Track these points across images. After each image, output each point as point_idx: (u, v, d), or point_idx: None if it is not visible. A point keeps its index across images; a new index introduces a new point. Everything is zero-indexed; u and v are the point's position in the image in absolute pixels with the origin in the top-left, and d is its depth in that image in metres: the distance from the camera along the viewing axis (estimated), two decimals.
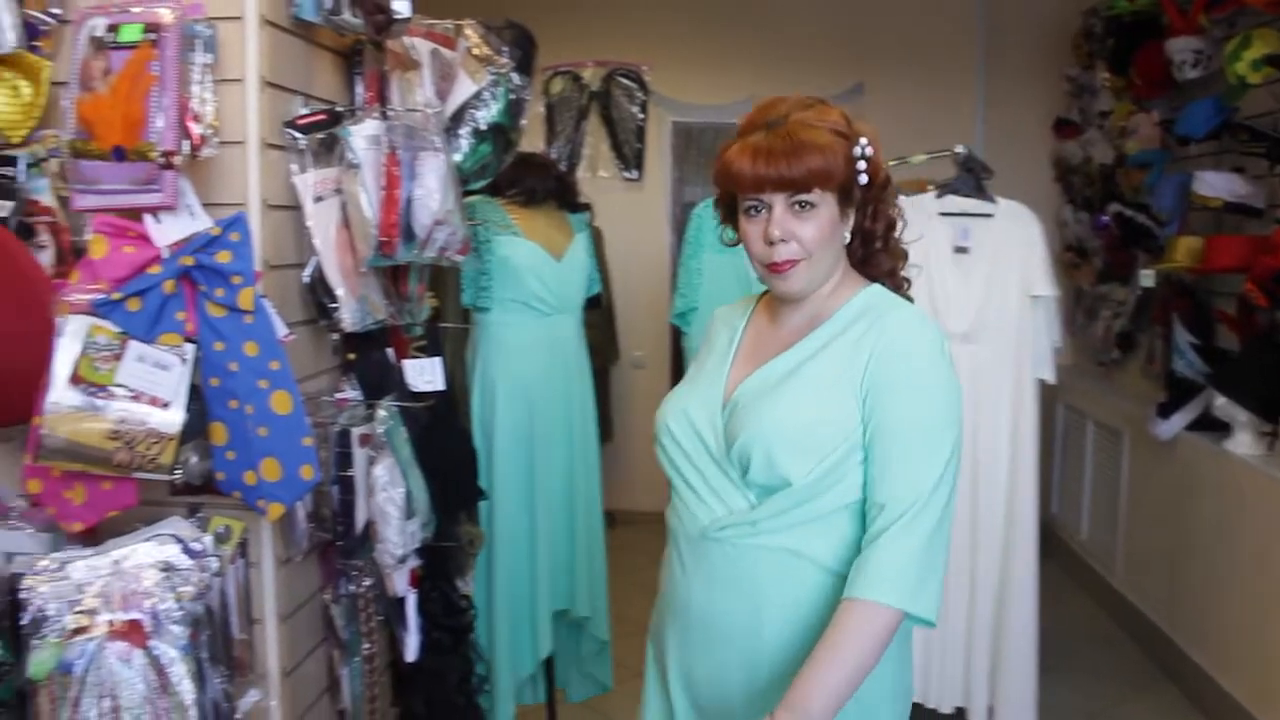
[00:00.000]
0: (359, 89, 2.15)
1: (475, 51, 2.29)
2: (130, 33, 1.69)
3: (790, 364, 1.62)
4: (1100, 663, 4.07)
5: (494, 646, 3.15)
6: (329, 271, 1.92)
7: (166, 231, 1.71)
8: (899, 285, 1.70)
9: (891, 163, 3.16)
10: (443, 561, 2.39)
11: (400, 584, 2.16)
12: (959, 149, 3.14)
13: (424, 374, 2.21)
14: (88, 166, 1.69)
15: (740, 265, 3.22)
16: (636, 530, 5.83)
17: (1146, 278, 4.09)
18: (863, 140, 1.58)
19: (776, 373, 1.62)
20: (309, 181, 1.90)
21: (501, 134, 2.29)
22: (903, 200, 3.11)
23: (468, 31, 2.30)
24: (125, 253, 1.69)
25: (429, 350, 2.31)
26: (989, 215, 3.11)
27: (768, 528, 1.56)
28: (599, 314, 4.99)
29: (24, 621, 1.65)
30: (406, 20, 2.02)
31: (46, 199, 1.82)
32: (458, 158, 2.14)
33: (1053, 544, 4.81)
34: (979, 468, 3.08)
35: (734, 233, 1.67)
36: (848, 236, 1.63)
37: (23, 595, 1.65)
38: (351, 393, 2.09)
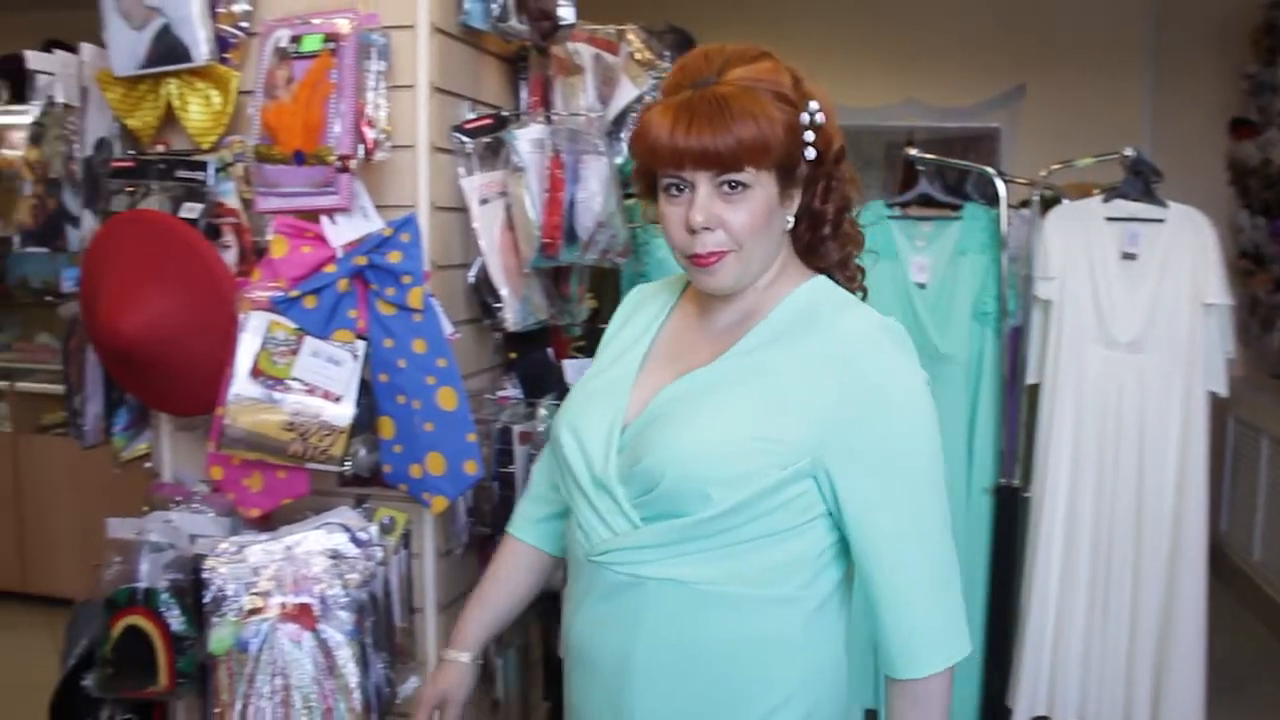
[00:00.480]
0: (524, 94, 2.20)
1: (637, 56, 2.32)
2: (311, 43, 1.77)
3: (718, 373, 1.37)
4: (1273, 693, 3.88)
5: None
6: (494, 272, 1.97)
7: (341, 232, 1.78)
8: (851, 277, 1.45)
9: (1055, 166, 3.12)
10: None
11: (556, 579, 2.19)
12: (1127, 151, 3.03)
13: (582, 374, 2.25)
14: (270, 170, 1.78)
15: (900, 272, 3.17)
16: None
17: None
18: (813, 105, 1.32)
19: (701, 383, 1.37)
20: (475, 184, 1.96)
21: None
22: (1068, 206, 3.10)
23: (630, 36, 2.33)
24: (303, 252, 1.77)
25: (588, 350, 2.35)
26: (1159, 220, 2.99)
27: (655, 556, 1.33)
28: None
29: (206, 600, 1.74)
30: (571, 26, 2.06)
31: (232, 201, 1.91)
32: (619, 161, 2.17)
33: (1222, 565, 4.59)
34: (1145, 482, 2.96)
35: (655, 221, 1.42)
36: (791, 221, 1.38)
37: (205, 575, 1.74)
38: (512, 391, 2.14)
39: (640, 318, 1.53)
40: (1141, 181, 3.02)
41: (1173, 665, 2.95)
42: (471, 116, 1.99)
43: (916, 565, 1.34)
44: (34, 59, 2.01)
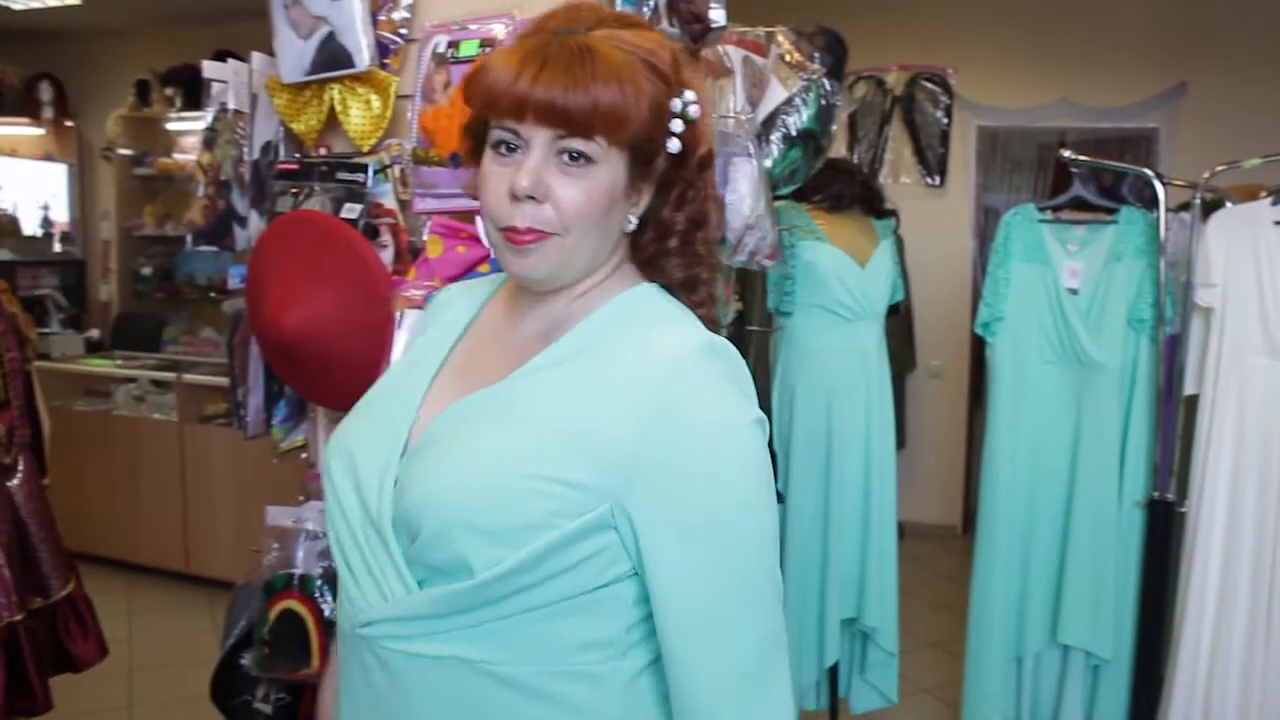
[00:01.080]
0: None
1: (786, 58, 2.31)
2: (468, 48, 1.81)
3: (505, 393, 1.12)
4: None
5: None
6: None
7: None
8: (698, 303, 1.19)
9: (1220, 168, 2.99)
10: None
11: None
12: None
13: None
14: (427, 172, 1.82)
15: (1051, 277, 3.09)
16: (925, 543, 5.71)
17: None
18: (688, 95, 1.11)
19: (483, 404, 1.13)
20: None
21: (812, 140, 2.30)
22: (1232, 209, 2.97)
23: (779, 38, 2.32)
24: (458, 252, 1.81)
25: None
26: None
27: (430, 629, 1.07)
28: (897, 321, 4.93)
29: None
30: (722, 29, 2.06)
31: (389, 202, 1.97)
32: (768, 163, 2.16)
33: None
34: None
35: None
36: (633, 222, 1.15)
37: None
38: None
39: (443, 320, 1.29)
40: None
41: None
42: None
43: (717, 657, 1.06)
44: (209, 68, 2.11)
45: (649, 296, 1.18)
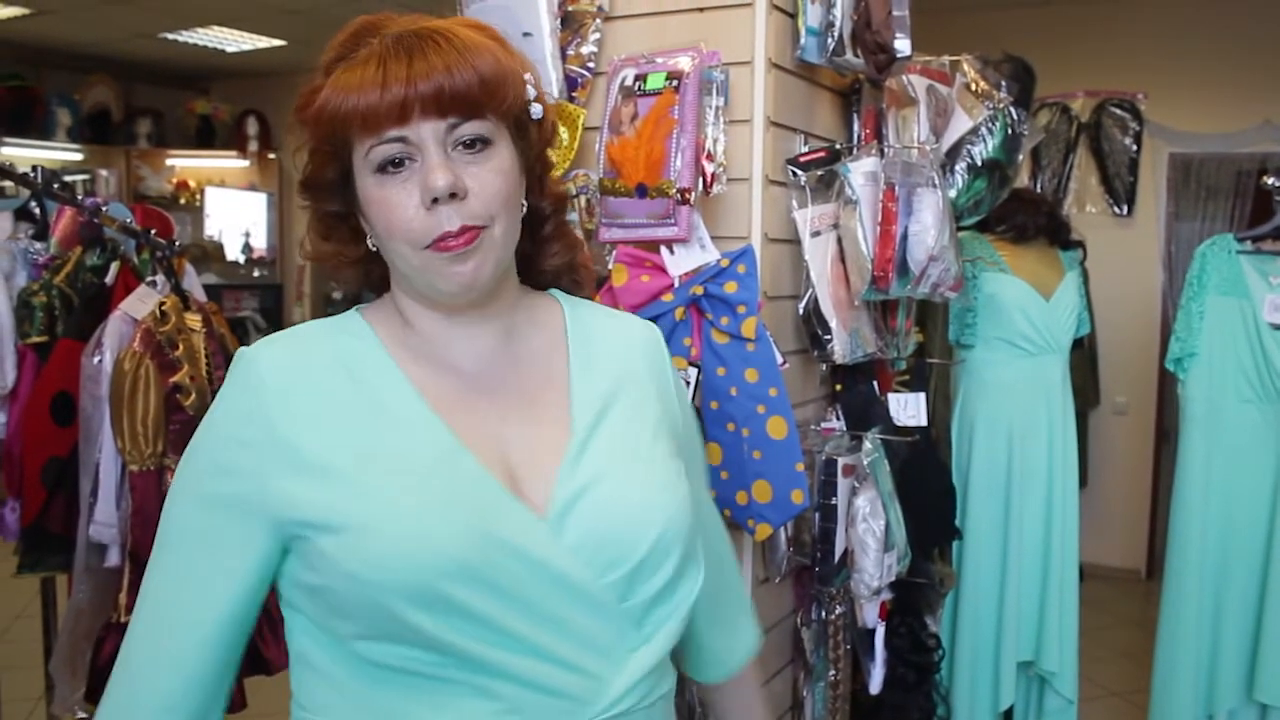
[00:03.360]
0: (856, 126, 2.20)
1: (973, 86, 2.27)
2: (655, 81, 1.85)
3: (598, 418, 1.07)
4: None
5: (953, 689, 3.09)
6: (824, 303, 1.98)
7: (679, 262, 1.84)
8: (579, 281, 1.20)
9: None
10: (913, 598, 2.37)
11: (870, 615, 2.17)
12: None
13: (907, 408, 2.22)
14: (614, 202, 1.86)
15: (1251, 311, 2.95)
16: (1106, 587, 5.48)
17: None
18: (526, 75, 1.05)
19: (596, 440, 1.05)
20: (808, 216, 1.98)
21: (997, 169, 2.26)
22: None
23: (965, 66, 2.29)
24: (642, 281, 1.84)
25: (912, 385, 2.32)
26: None
27: (658, 676, 1.03)
28: (1080, 355, 4.76)
29: None
30: (906, 58, 2.05)
31: (575, 231, 2.02)
32: (952, 193, 2.13)
33: None
34: None
35: (324, 238, 1.10)
36: (525, 205, 1.07)
37: None
38: (836, 423, 2.14)
39: (351, 391, 1.01)
40: None
41: None
42: (805, 150, 2.02)
43: (727, 542, 1.33)
44: None
45: (570, 300, 1.19)
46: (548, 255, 1.15)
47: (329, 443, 0.97)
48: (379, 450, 0.98)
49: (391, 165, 0.98)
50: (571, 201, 2.02)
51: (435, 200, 0.96)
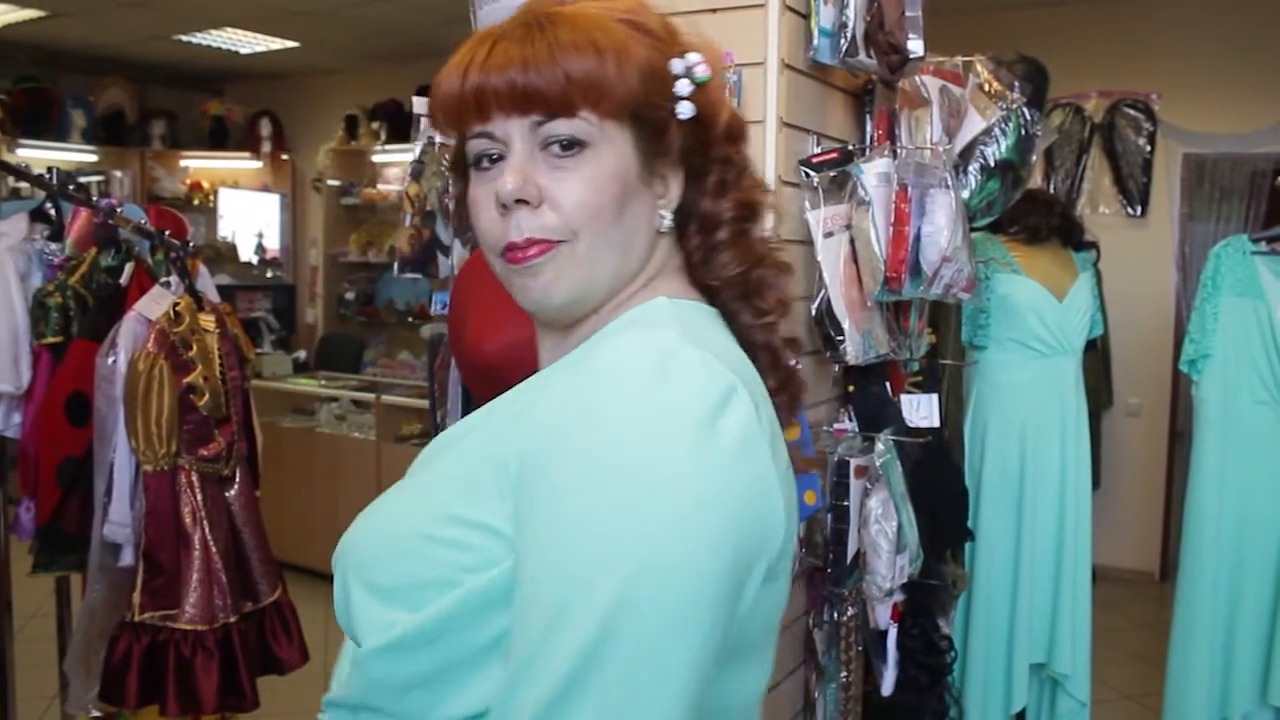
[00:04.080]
0: (869, 127, 2.20)
1: (986, 87, 2.27)
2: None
3: (456, 430, 0.96)
4: None
5: (966, 692, 3.09)
6: (836, 305, 1.97)
7: None
8: (763, 310, 0.99)
9: None
10: (925, 599, 2.37)
11: (883, 617, 2.17)
12: None
13: (919, 409, 2.21)
14: None
15: (1266, 312, 2.94)
16: (1119, 589, 5.47)
17: None
18: (692, 56, 0.93)
19: (435, 444, 0.97)
20: (820, 217, 1.97)
21: (1010, 170, 2.25)
22: None
23: (978, 67, 2.28)
24: None
25: (925, 386, 2.31)
26: None
27: (373, 704, 0.85)
28: (1093, 356, 4.75)
29: None
30: (920, 59, 2.05)
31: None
32: (965, 194, 2.13)
33: None
34: None
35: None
36: (666, 218, 0.94)
37: None
38: (849, 424, 2.13)
39: None
40: None
41: None
42: (818, 150, 2.01)
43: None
44: (419, 104, 2.21)
45: (660, 309, 0.93)
46: (719, 263, 0.97)
47: None
48: None
49: (486, 160, 0.91)
50: None
51: (505, 206, 0.88)
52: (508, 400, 0.93)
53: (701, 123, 0.94)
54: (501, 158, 0.90)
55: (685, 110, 0.92)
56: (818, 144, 2.04)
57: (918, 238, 1.97)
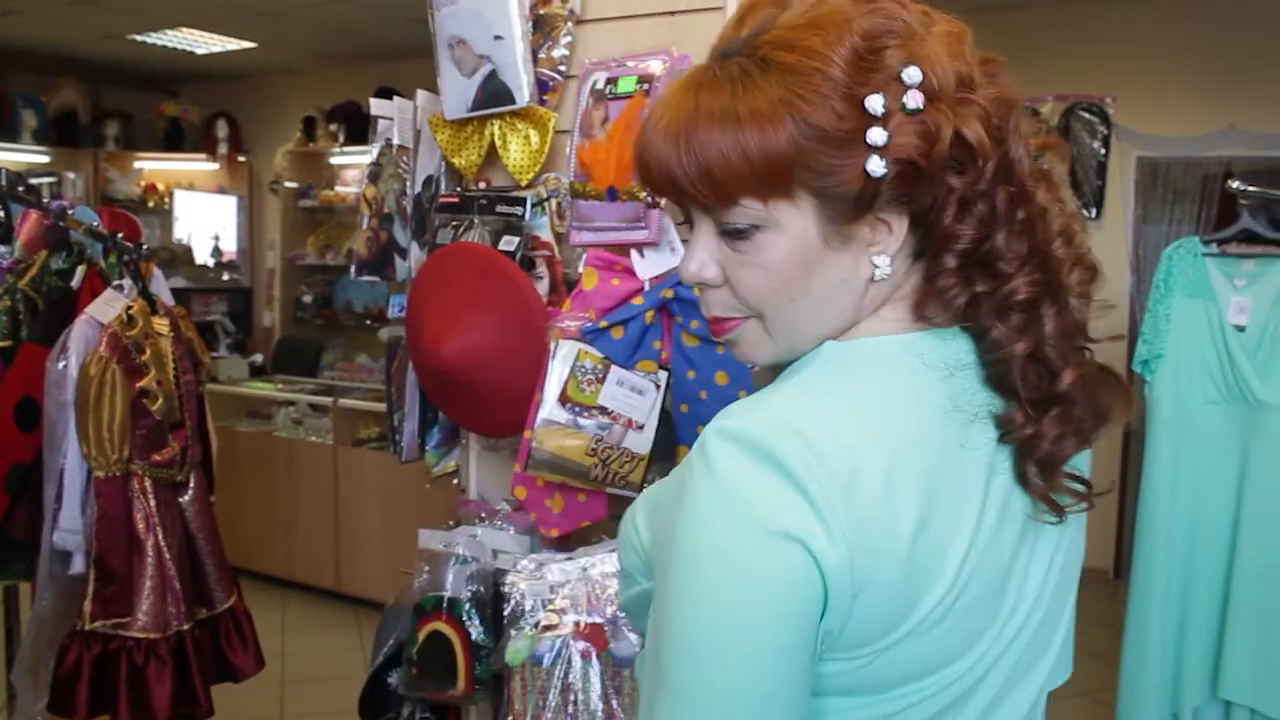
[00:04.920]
0: None
1: None
2: (626, 84, 1.84)
3: None
4: None
5: None
6: None
7: (650, 266, 1.83)
8: (999, 343, 0.89)
9: None
10: None
11: None
12: None
13: None
14: (584, 206, 1.86)
15: (1217, 313, 2.97)
16: None
17: None
18: (911, 74, 0.82)
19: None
20: None
21: None
22: None
23: None
24: (613, 285, 1.83)
25: None
26: None
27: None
28: None
29: (505, 612, 1.82)
30: None
31: (545, 235, 2.01)
32: None
33: None
34: None
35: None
36: (882, 265, 0.88)
37: (505, 589, 1.83)
38: None
39: None
40: None
41: None
42: None
43: None
44: (376, 105, 2.19)
45: (826, 352, 0.90)
46: (944, 288, 0.89)
47: None
48: None
49: (681, 222, 0.93)
50: (543, 205, 2.01)
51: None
52: None
53: (910, 161, 0.83)
54: (689, 220, 0.90)
55: (874, 167, 0.82)
56: None
57: None
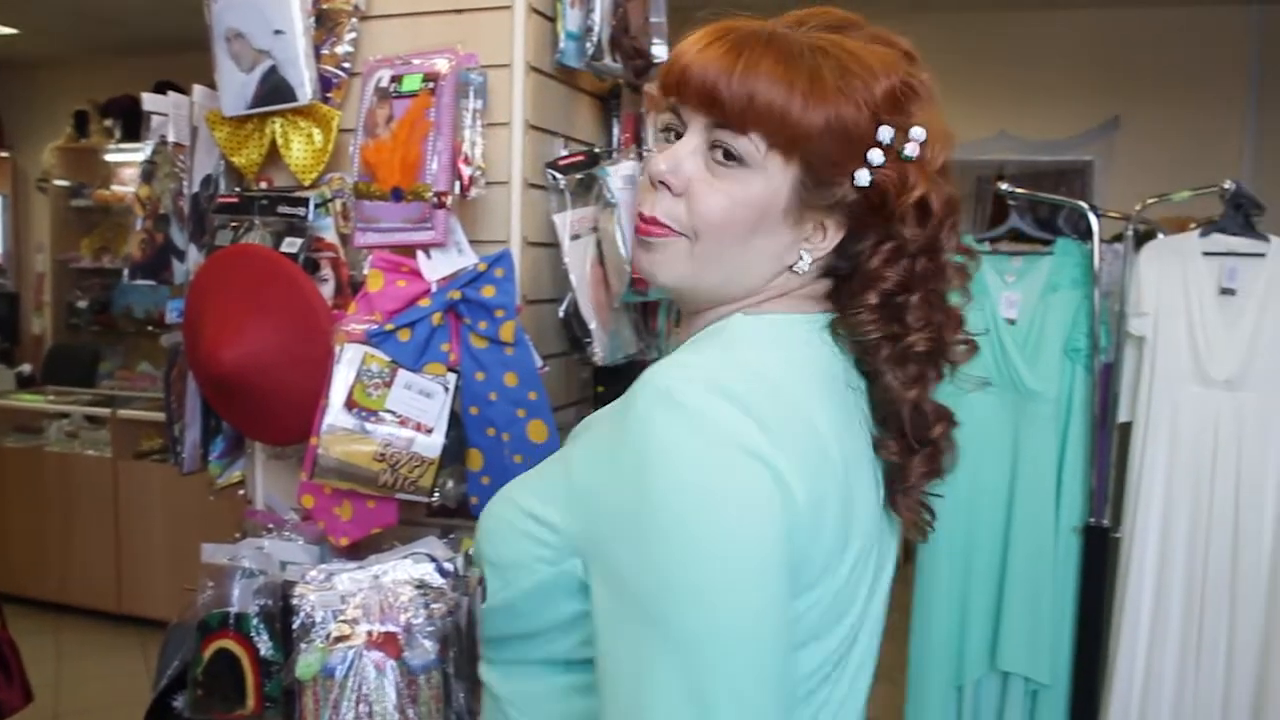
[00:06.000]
0: (616, 130, 2.22)
1: None
2: (411, 83, 1.81)
3: (580, 428, 1.06)
4: None
5: None
6: (584, 307, 1.98)
7: (436, 267, 1.81)
8: (907, 381, 1.01)
9: (1151, 200, 3.06)
10: None
11: None
12: (1226, 184, 2.97)
13: None
14: (368, 206, 1.82)
15: (990, 307, 3.15)
16: None
17: None
18: (915, 131, 0.96)
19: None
20: (567, 220, 1.98)
21: None
22: (1163, 241, 3.04)
23: None
24: (398, 287, 1.80)
25: None
26: (1260, 255, 2.92)
27: (487, 654, 1.09)
28: None
29: (295, 625, 1.77)
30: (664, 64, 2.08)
31: (330, 236, 1.96)
32: None
33: None
34: (1241, 524, 2.88)
35: None
36: (806, 260, 0.99)
37: (294, 601, 1.77)
38: None
39: None
40: (1241, 215, 2.96)
41: (1270, 712, 2.86)
42: (564, 153, 2.02)
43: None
44: (149, 100, 2.09)
45: (735, 323, 1.00)
46: (859, 322, 1.00)
47: None
48: None
49: (671, 133, 1.00)
50: (327, 205, 1.96)
51: (652, 181, 0.98)
52: (607, 409, 1.00)
53: (882, 192, 0.97)
54: (679, 137, 0.98)
55: (861, 178, 0.96)
56: (565, 147, 2.05)
57: None
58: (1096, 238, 3.05)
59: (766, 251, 0.99)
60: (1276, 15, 5.24)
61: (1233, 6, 5.24)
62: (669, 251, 0.99)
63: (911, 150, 0.97)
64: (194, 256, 2.14)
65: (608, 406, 1.01)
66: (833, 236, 1.00)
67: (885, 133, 0.96)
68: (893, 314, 1.00)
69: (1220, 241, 2.95)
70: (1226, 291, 2.93)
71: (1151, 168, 5.00)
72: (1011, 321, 3.17)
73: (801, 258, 1.00)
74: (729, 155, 0.96)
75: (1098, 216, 3.08)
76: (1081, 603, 3.12)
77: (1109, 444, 3.12)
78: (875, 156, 0.96)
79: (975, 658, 3.19)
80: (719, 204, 0.96)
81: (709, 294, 1.02)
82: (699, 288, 1.01)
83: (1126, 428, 3.06)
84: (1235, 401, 2.90)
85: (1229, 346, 2.91)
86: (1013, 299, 3.19)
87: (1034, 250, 3.21)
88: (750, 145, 0.94)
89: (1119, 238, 3.12)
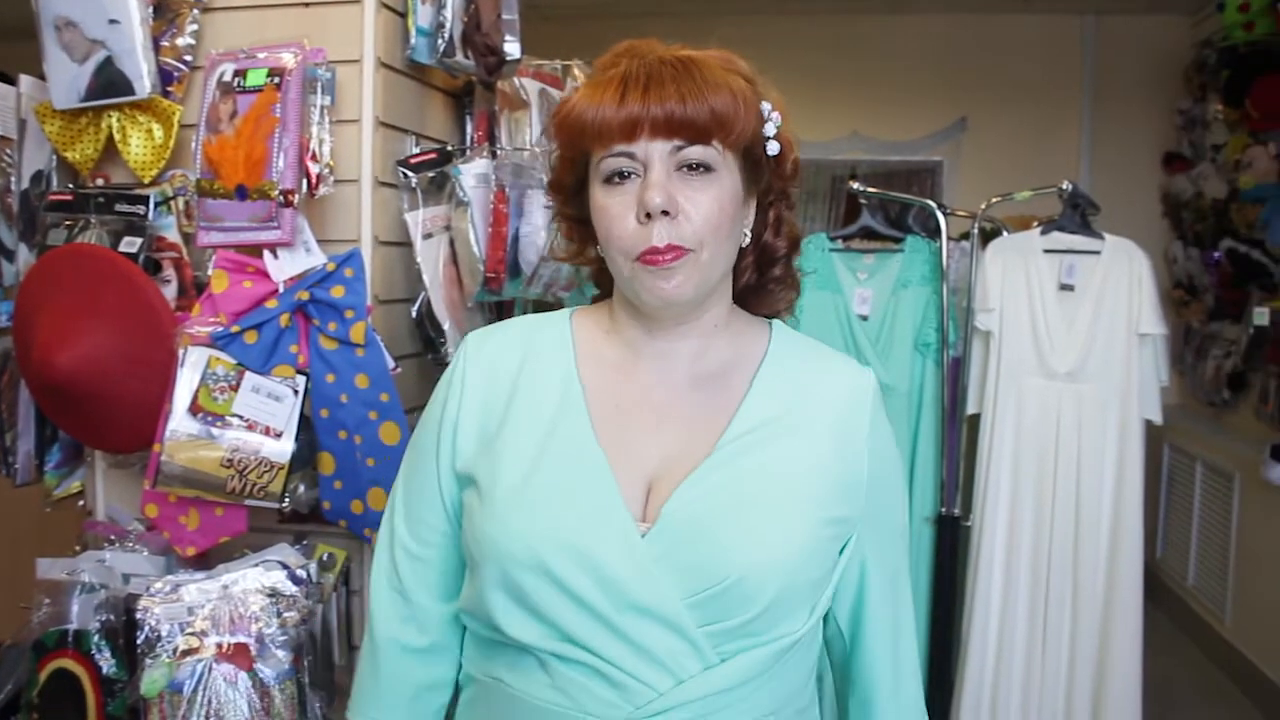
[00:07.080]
0: (469, 128, 2.20)
1: None
2: (256, 77, 1.76)
3: (752, 445, 1.10)
4: (1207, 714, 3.93)
5: None
6: (437, 306, 1.96)
7: (284, 267, 1.77)
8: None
9: (995, 200, 3.17)
10: None
11: None
12: (1065, 185, 3.09)
13: None
14: (212, 205, 1.76)
15: (843, 304, 3.20)
16: None
17: (1260, 315, 3.98)
18: (766, 105, 1.12)
19: (741, 462, 1.09)
20: (419, 218, 1.95)
21: None
22: (1006, 238, 3.15)
23: (575, 71, 2.34)
24: (244, 287, 1.75)
25: None
26: (1095, 252, 3.05)
27: (728, 701, 1.06)
28: None
29: (139, 641, 1.70)
30: (517, 61, 2.07)
31: (172, 235, 1.90)
32: None
33: (1158, 590, 4.66)
34: (1082, 509, 3.00)
35: (568, 238, 1.19)
36: (748, 236, 1.14)
37: (138, 615, 1.71)
38: None
39: (529, 379, 1.15)
40: (1078, 214, 3.07)
41: (1111, 688, 2.99)
42: (416, 151, 1.99)
43: (902, 624, 1.25)
44: None
45: (789, 333, 1.21)
46: (773, 298, 1.21)
47: (496, 416, 1.13)
48: (526, 439, 1.10)
49: (618, 177, 1.05)
50: (168, 204, 1.90)
51: (649, 215, 1.03)
52: (784, 428, 1.13)
53: (779, 159, 1.14)
54: (632, 175, 1.05)
55: (774, 148, 1.12)
56: (416, 144, 2.02)
57: (516, 238, 1.99)
58: (944, 236, 3.14)
59: (735, 235, 1.11)
60: (1107, 27, 5.48)
61: (1068, 17, 5.45)
62: (688, 268, 1.06)
63: (777, 117, 1.12)
64: (24, 257, 2.05)
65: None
66: (752, 211, 1.14)
67: (766, 106, 1.11)
68: (789, 278, 1.22)
69: (1059, 239, 3.07)
70: (1066, 287, 3.05)
71: (996, 168, 5.16)
72: (864, 318, 3.23)
73: (745, 235, 1.14)
74: (697, 167, 1.06)
75: (946, 215, 3.16)
76: (935, 589, 3.20)
77: (958, 435, 3.21)
78: (770, 128, 1.11)
79: None
80: (711, 208, 1.05)
81: (711, 291, 1.11)
82: (704, 293, 1.10)
83: (975, 419, 3.15)
84: (1075, 392, 3.01)
85: (1069, 340, 3.03)
86: (865, 295, 3.25)
87: (885, 248, 3.28)
88: (714, 151, 1.06)
89: (965, 235, 3.22)
